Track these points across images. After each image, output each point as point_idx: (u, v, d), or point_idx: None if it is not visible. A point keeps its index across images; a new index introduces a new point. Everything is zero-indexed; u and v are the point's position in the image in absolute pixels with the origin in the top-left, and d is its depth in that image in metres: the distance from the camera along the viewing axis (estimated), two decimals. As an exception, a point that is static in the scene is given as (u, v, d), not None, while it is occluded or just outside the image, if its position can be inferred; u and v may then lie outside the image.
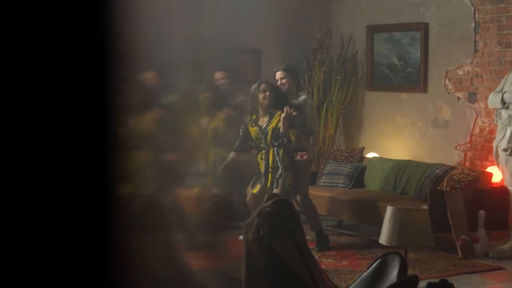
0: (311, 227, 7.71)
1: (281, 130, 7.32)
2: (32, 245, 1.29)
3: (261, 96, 7.44)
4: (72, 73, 1.31)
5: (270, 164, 7.43)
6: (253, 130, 7.52)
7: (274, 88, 7.53)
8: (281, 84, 7.72)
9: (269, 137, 7.41)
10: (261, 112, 7.52)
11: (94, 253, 1.35)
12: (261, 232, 4.34)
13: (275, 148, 7.42)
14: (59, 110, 1.30)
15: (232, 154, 7.67)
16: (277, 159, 7.41)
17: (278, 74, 7.76)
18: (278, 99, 7.48)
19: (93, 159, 1.34)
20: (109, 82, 1.35)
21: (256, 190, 7.51)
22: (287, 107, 7.31)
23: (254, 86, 7.55)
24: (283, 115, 7.29)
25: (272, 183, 7.41)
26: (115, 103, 1.37)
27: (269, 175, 7.43)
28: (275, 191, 7.20)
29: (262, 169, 7.48)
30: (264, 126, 7.47)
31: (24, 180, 1.28)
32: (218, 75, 8.47)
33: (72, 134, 1.31)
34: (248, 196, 7.64)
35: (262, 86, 7.46)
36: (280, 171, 7.38)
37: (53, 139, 1.30)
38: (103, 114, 1.36)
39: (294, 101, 7.63)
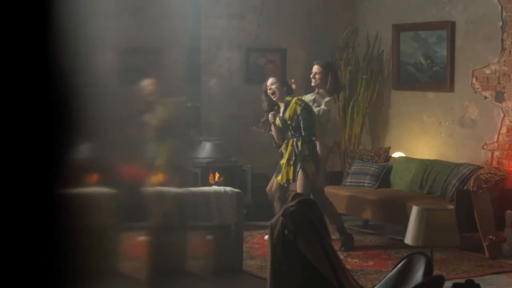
0: (332, 226, 7.72)
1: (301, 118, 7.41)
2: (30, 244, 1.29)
3: (269, 92, 7.54)
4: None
5: (291, 156, 7.48)
6: (277, 121, 7.58)
7: (280, 81, 7.59)
8: (313, 77, 7.82)
9: (287, 124, 7.46)
10: (278, 103, 7.61)
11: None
12: (286, 232, 4.33)
13: (295, 139, 7.46)
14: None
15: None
16: (296, 150, 7.45)
17: (314, 68, 7.87)
18: (281, 88, 7.55)
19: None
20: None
21: (279, 180, 7.60)
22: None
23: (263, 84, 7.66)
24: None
25: (294, 175, 7.46)
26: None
27: (291, 168, 7.47)
28: (299, 183, 7.33)
29: (284, 159, 7.53)
30: (281, 115, 7.53)
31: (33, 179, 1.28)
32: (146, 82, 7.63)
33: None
34: (270, 184, 7.72)
35: (268, 82, 7.56)
36: (299, 165, 7.42)
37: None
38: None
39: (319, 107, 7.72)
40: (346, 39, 9.99)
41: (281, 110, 7.55)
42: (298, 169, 7.43)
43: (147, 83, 7.62)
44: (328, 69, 7.85)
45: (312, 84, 7.87)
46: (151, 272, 6.20)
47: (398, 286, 4.59)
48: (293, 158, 7.47)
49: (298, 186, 7.35)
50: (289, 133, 7.52)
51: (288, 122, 7.46)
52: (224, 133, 9.17)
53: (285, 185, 7.56)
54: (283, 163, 7.54)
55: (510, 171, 8.09)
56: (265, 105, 7.64)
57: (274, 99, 7.54)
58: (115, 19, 7.67)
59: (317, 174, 7.53)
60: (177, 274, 6.28)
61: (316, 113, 7.65)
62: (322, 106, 7.75)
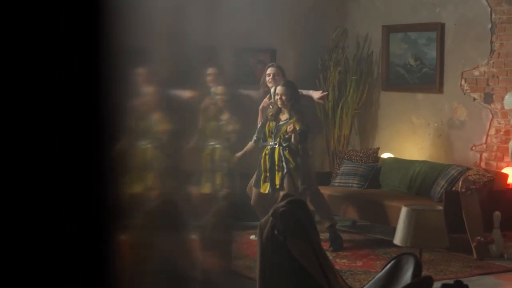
0: (325, 220, 7.72)
1: (293, 141, 7.39)
2: (38, 244, 1.29)
3: (276, 98, 7.52)
4: (65, 73, 1.31)
5: (276, 162, 7.47)
6: (271, 124, 7.56)
7: (287, 90, 7.54)
8: (269, 79, 7.92)
9: (281, 133, 7.45)
10: (282, 109, 7.58)
11: (104, 252, 1.36)
12: (276, 232, 4.33)
13: (281, 147, 7.45)
14: (56, 109, 1.30)
15: (250, 143, 7.72)
16: (283, 158, 7.43)
17: (269, 70, 7.97)
18: (292, 100, 7.52)
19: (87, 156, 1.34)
20: (102, 82, 1.35)
21: (265, 189, 7.51)
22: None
23: (273, 88, 7.64)
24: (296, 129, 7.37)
25: (281, 181, 7.44)
26: (111, 102, 1.37)
27: (278, 173, 7.45)
28: (284, 189, 7.25)
29: (264, 165, 7.50)
30: (282, 122, 7.52)
31: (27, 179, 1.28)
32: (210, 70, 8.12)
33: (69, 134, 1.31)
34: (254, 197, 7.65)
35: (277, 90, 7.54)
36: (285, 170, 7.40)
37: (52, 138, 1.30)
38: (99, 113, 1.35)
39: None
40: (336, 40, 10.00)
41: (283, 117, 7.54)
42: (284, 174, 7.43)
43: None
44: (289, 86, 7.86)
45: (270, 86, 7.92)
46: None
47: (387, 286, 4.60)
48: (280, 165, 7.46)
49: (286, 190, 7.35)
50: (273, 140, 7.50)
51: (281, 133, 7.46)
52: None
53: (271, 192, 7.47)
54: (265, 170, 7.51)
55: (498, 172, 8.12)
56: (272, 109, 7.68)
57: (279, 105, 7.54)
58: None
59: (308, 184, 7.53)
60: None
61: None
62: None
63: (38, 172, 1.29)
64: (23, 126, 1.28)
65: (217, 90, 7.42)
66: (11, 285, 1.27)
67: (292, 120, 7.45)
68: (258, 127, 7.80)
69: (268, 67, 8.14)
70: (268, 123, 7.62)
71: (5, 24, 1.26)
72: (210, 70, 7.89)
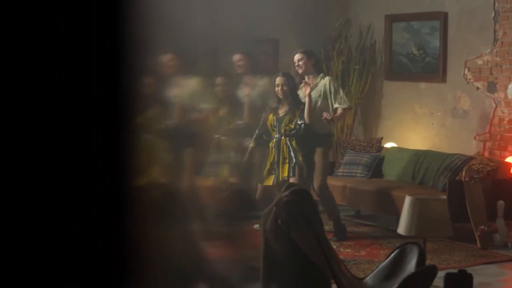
0: (328, 216, 7.70)
1: (306, 119, 7.36)
2: (39, 244, 1.29)
3: (277, 89, 7.48)
4: (86, 64, 1.30)
5: (285, 154, 7.44)
6: (270, 118, 7.53)
7: (288, 81, 7.51)
8: (298, 66, 7.73)
9: (283, 125, 7.43)
10: (281, 102, 7.54)
11: (110, 244, 1.36)
12: (279, 222, 4.33)
13: (288, 138, 7.43)
14: (73, 102, 1.30)
15: (252, 144, 7.65)
16: (291, 148, 7.41)
17: (296, 57, 7.78)
18: (293, 92, 7.50)
19: (106, 151, 1.34)
20: (124, 73, 1.35)
21: (270, 181, 7.50)
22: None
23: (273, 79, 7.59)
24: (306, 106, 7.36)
25: (288, 172, 7.40)
26: (129, 94, 1.36)
27: (285, 165, 7.43)
28: (291, 180, 7.19)
29: (271, 158, 7.48)
30: (281, 115, 7.47)
31: (38, 174, 1.28)
32: (236, 57, 7.99)
33: (85, 126, 1.31)
34: (258, 192, 7.62)
35: (277, 80, 7.50)
36: (294, 160, 7.38)
37: (66, 131, 1.30)
38: (117, 105, 1.35)
39: (315, 82, 7.66)
40: (339, 29, 9.99)
41: (283, 109, 7.53)
42: (293, 166, 7.41)
43: (237, 58, 7.87)
44: (308, 53, 7.81)
45: (300, 72, 7.78)
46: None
47: (391, 276, 4.61)
48: (288, 156, 7.44)
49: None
50: (278, 133, 7.48)
51: (284, 123, 7.45)
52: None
53: (276, 183, 7.45)
54: (272, 163, 7.50)
55: (501, 161, 8.11)
56: (272, 102, 7.61)
57: (280, 96, 7.51)
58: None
59: (312, 174, 7.52)
60: None
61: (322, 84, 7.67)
62: (326, 78, 7.76)
63: (38, 172, 1.28)
64: (23, 126, 1.28)
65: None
66: (11, 285, 1.27)
67: (294, 111, 7.43)
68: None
69: (294, 54, 7.89)
70: (268, 117, 7.58)
71: (5, 24, 1.26)
72: (236, 57, 7.86)
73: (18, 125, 1.27)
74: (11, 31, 1.26)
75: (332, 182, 8.45)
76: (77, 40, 1.29)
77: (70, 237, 1.30)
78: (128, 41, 1.34)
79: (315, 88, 7.63)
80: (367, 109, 9.95)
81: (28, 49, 1.27)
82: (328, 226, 7.33)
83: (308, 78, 7.71)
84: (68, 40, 1.28)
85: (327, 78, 7.75)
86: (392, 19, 9.56)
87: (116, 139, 1.36)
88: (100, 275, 1.34)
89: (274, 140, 7.50)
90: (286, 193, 4.47)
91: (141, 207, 1.43)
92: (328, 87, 7.63)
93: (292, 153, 7.40)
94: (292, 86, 7.50)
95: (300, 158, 7.39)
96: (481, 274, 6.30)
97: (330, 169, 8.98)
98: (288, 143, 7.44)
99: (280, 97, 7.48)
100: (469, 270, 4.88)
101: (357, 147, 9.18)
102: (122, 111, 1.36)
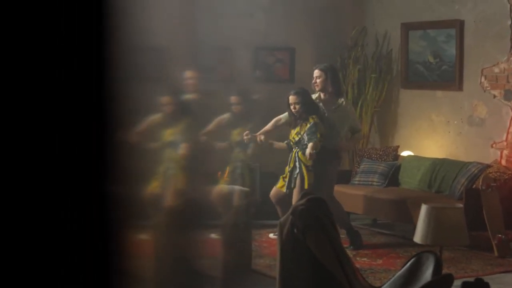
0: (339, 226, 7.72)
1: (305, 137, 7.42)
2: (39, 244, 1.30)
3: (291, 107, 7.53)
4: (71, 73, 1.31)
5: (291, 165, 7.54)
6: (291, 132, 7.64)
7: (299, 99, 7.52)
8: (315, 82, 7.76)
9: (292, 139, 7.55)
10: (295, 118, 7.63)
11: (109, 244, 1.36)
12: (295, 230, 4.34)
13: (297, 150, 7.51)
14: (73, 102, 1.31)
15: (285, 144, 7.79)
16: (297, 159, 7.48)
17: (315, 73, 7.82)
18: (308, 111, 7.51)
19: (106, 151, 1.34)
20: (109, 85, 1.35)
21: (281, 186, 7.68)
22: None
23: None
24: (310, 124, 7.42)
25: (289, 182, 7.51)
26: (129, 96, 1.37)
27: (292, 174, 7.55)
28: (295, 191, 7.43)
29: (289, 167, 7.60)
30: (294, 131, 7.60)
31: (38, 174, 1.29)
32: (233, 98, 7.42)
33: (86, 126, 1.32)
34: (272, 191, 7.80)
35: (290, 99, 7.54)
36: (297, 171, 7.45)
37: (67, 131, 1.31)
38: (117, 105, 1.36)
39: (333, 107, 7.72)
40: (355, 38, 9.99)
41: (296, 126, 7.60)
42: (295, 177, 7.49)
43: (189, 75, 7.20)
44: (327, 71, 7.80)
45: (317, 89, 7.84)
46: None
47: (407, 284, 4.60)
48: (293, 167, 7.55)
49: (295, 194, 7.38)
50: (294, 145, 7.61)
51: (292, 137, 7.56)
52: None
53: (286, 191, 7.59)
54: (287, 172, 7.63)
55: (519, 170, 8.08)
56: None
57: (295, 113, 7.57)
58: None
59: (319, 185, 7.52)
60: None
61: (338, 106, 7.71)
62: (341, 100, 7.80)
63: (39, 172, 1.29)
64: (23, 126, 1.29)
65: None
66: (11, 285, 1.28)
67: (302, 126, 7.48)
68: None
69: (314, 68, 7.90)
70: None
71: (5, 24, 1.27)
72: (233, 99, 7.50)
73: (18, 125, 1.28)
74: (8, 32, 1.27)
75: (348, 190, 8.44)
76: (61, 47, 1.29)
77: (70, 237, 1.31)
78: (121, 47, 1.35)
79: (334, 112, 7.70)
80: (384, 118, 9.94)
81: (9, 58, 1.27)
82: (342, 234, 7.34)
83: (324, 95, 7.78)
84: (54, 45, 1.29)
85: (349, 106, 7.97)
86: (408, 27, 9.55)
87: (116, 140, 1.36)
88: (100, 275, 1.35)
89: (293, 150, 7.61)
90: (302, 201, 4.47)
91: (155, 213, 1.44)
92: (348, 114, 7.82)
93: (297, 163, 7.49)
94: (304, 102, 7.52)
95: (304, 170, 7.44)
96: (498, 283, 6.27)
97: (346, 177, 8.98)
98: (296, 154, 7.53)
99: (295, 114, 7.53)
100: (486, 279, 4.85)
101: (373, 155, 9.17)
102: (123, 111, 1.37)
